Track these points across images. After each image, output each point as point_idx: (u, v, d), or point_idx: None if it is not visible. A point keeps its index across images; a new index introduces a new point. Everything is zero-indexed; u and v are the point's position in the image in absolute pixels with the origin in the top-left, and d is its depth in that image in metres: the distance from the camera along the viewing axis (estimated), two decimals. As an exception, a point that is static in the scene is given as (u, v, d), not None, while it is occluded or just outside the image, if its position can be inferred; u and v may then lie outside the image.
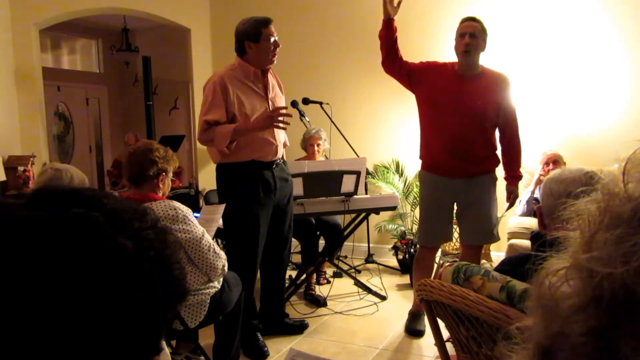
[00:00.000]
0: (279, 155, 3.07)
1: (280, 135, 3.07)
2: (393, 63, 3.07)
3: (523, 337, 0.41)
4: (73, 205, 0.50)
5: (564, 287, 0.37)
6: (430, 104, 3.05)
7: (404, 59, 3.12)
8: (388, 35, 3.03)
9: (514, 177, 3.18)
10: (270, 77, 3.07)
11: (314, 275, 4.19)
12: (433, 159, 3.10)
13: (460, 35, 2.98)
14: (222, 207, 2.86)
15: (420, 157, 3.22)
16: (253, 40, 2.93)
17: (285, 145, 3.24)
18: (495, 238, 3.22)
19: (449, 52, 3.16)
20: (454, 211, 3.21)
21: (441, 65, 3.10)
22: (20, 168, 4.34)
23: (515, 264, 1.65)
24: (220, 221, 2.92)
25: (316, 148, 4.22)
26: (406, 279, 4.33)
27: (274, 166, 3.03)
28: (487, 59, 4.67)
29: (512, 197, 3.18)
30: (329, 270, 4.46)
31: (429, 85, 3.04)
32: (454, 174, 3.05)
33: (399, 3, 3.00)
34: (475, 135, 3.03)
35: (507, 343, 0.43)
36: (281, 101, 3.12)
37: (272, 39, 2.93)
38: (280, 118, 2.84)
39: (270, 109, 2.98)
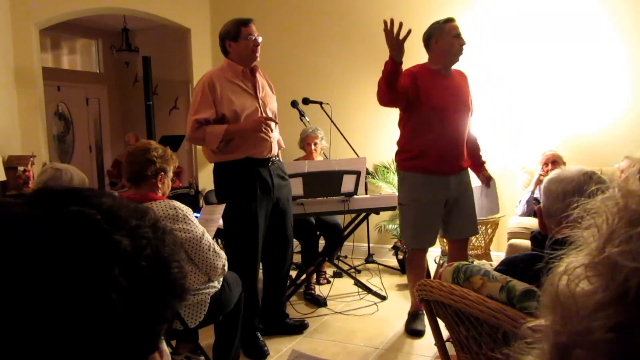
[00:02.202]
0: (274, 152, 3.08)
1: (275, 134, 3.09)
2: (396, 102, 3.02)
3: (536, 337, 0.41)
4: (70, 204, 0.50)
5: (583, 284, 0.37)
6: (429, 107, 3.04)
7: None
8: (394, 82, 2.83)
9: (483, 164, 3.36)
10: (259, 77, 3.09)
11: (314, 275, 4.19)
12: (428, 159, 3.08)
13: (457, 35, 3.05)
14: (222, 207, 2.87)
15: (405, 160, 3.15)
16: (233, 39, 2.98)
17: (280, 146, 3.25)
18: (477, 229, 3.42)
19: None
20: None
21: (418, 69, 3.11)
22: (20, 168, 4.34)
23: (516, 264, 1.65)
24: (221, 221, 2.92)
25: (313, 147, 4.22)
26: (406, 279, 4.33)
27: (270, 164, 3.04)
28: (487, 59, 4.69)
29: (489, 180, 3.33)
30: (329, 270, 4.46)
31: (423, 90, 3.03)
32: (448, 171, 3.09)
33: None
34: (464, 130, 3.16)
35: (519, 343, 0.43)
36: (272, 101, 3.15)
37: (251, 38, 2.96)
38: (269, 124, 2.96)
39: (261, 107, 3.01)
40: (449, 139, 3.07)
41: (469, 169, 3.32)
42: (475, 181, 3.37)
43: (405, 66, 3.10)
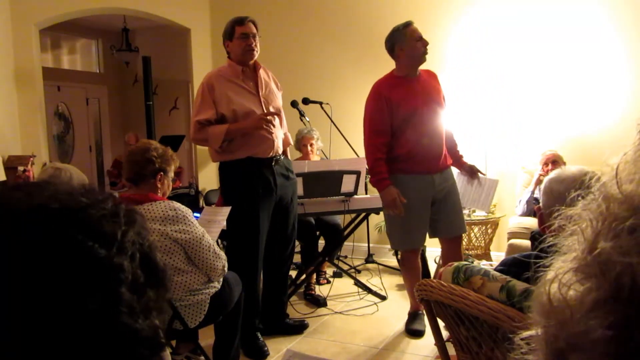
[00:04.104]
0: (278, 151, 3.08)
1: (279, 132, 3.08)
2: None
3: (531, 346, 0.41)
4: (58, 231, 0.49)
5: (574, 287, 0.37)
6: (403, 113, 3.08)
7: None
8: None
9: (461, 157, 3.40)
10: (262, 74, 3.09)
11: (314, 275, 4.19)
12: (411, 162, 3.10)
13: (419, 38, 3.08)
14: (227, 209, 2.85)
15: (391, 162, 3.14)
16: (228, 39, 3.02)
17: (288, 143, 3.25)
18: (465, 227, 3.44)
19: (440, 53, 3.16)
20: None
21: (385, 85, 3.14)
22: (20, 168, 4.34)
23: (515, 265, 1.65)
24: (224, 223, 2.91)
25: (309, 148, 4.22)
26: (406, 279, 4.33)
27: (274, 163, 3.04)
28: (487, 59, 4.68)
29: (475, 169, 3.37)
30: (329, 270, 4.46)
31: (395, 100, 3.07)
32: (432, 170, 3.13)
33: None
34: (441, 128, 3.19)
35: (514, 354, 0.43)
36: (276, 98, 3.15)
37: (246, 37, 2.97)
38: (270, 118, 2.94)
39: (263, 106, 3.02)
40: (427, 141, 3.10)
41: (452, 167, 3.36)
42: (458, 174, 3.40)
43: (385, 67, 3.25)
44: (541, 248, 0.45)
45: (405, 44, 3.06)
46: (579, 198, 0.42)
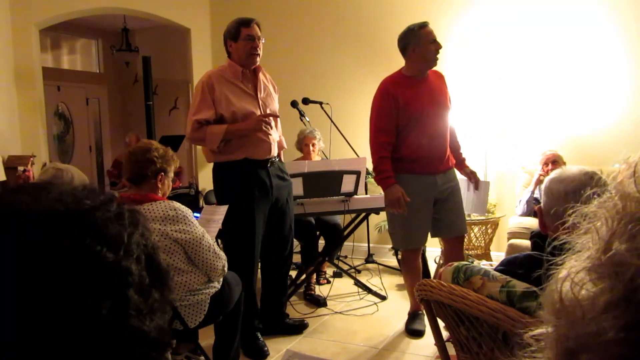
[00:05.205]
0: (274, 153, 3.08)
1: (275, 134, 3.09)
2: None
3: (540, 345, 0.41)
4: (66, 237, 0.49)
5: (587, 287, 0.37)
6: (408, 114, 3.07)
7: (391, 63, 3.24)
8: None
9: (464, 160, 3.39)
10: (261, 77, 3.09)
11: (314, 275, 4.19)
12: (413, 162, 3.11)
13: (433, 41, 3.06)
14: (224, 208, 2.86)
15: (395, 162, 3.13)
16: (233, 39, 2.98)
17: (282, 146, 3.25)
18: (466, 228, 3.45)
19: (441, 53, 3.15)
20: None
21: (393, 83, 3.13)
22: (20, 168, 4.33)
23: (516, 265, 1.65)
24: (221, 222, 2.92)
25: (311, 148, 4.22)
26: (406, 279, 4.33)
27: (269, 165, 3.04)
28: (487, 59, 4.68)
29: (475, 176, 3.37)
30: (329, 270, 4.46)
31: (402, 99, 3.06)
32: (434, 171, 3.13)
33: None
34: (445, 130, 3.20)
35: (522, 352, 0.42)
36: (273, 101, 3.15)
37: (251, 39, 2.95)
38: (268, 120, 2.94)
39: (261, 108, 3.01)
40: (432, 142, 3.11)
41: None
42: (461, 177, 3.40)
43: (386, 66, 3.23)
44: (554, 246, 0.45)
45: (419, 46, 3.05)
46: (595, 196, 0.41)
